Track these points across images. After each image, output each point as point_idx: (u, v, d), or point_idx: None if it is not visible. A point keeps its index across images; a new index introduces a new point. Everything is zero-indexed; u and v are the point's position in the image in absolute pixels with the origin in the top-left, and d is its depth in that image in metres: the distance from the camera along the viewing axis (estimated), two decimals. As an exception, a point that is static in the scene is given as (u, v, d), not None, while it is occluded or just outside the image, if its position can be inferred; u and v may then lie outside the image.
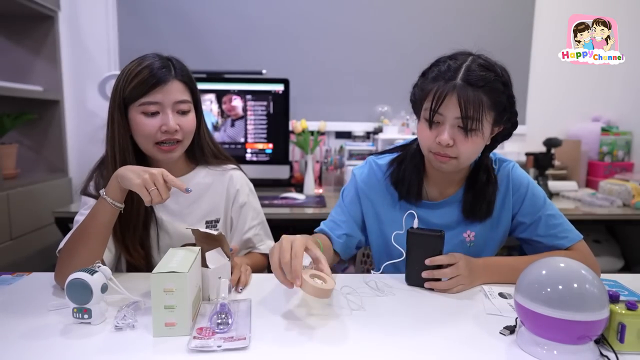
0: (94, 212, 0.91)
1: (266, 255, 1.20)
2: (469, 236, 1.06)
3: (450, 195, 1.06)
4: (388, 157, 1.11)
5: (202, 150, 1.12)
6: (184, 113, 1.03)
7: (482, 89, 0.89)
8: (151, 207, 1.06)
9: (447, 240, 1.02)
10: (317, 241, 0.97)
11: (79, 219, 1.02)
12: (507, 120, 0.97)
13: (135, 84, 0.97)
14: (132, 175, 0.87)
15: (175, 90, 1.00)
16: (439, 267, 0.94)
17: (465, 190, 1.05)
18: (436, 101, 0.90)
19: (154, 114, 0.99)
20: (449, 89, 0.89)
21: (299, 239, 0.81)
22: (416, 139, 1.04)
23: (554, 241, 1.02)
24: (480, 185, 1.02)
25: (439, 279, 0.94)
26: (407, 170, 1.05)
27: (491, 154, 1.06)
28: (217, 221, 1.13)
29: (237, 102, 2.16)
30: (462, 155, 0.94)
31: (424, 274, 0.94)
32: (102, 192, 0.91)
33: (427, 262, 0.93)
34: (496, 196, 1.03)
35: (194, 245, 0.91)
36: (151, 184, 0.86)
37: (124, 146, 1.01)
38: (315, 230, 1.12)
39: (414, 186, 1.04)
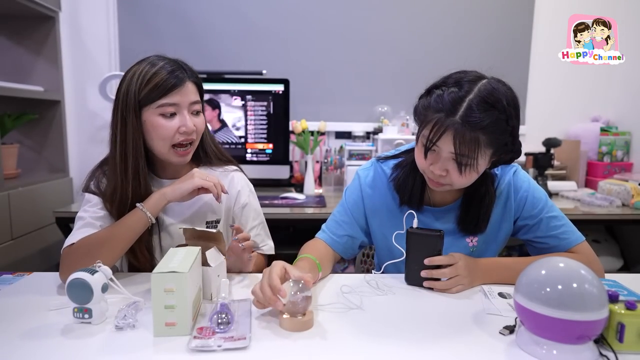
0: (128, 221, 0.97)
1: (267, 257, 1.20)
2: (471, 241, 1.07)
3: (451, 203, 1.07)
4: (392, 162, 1.11)
5: (205, 152, 1.14)
6: (197, 114, 1.05)
7: (482, 130, 0.86)
8: None
9: (450, 245, 1.03)
10: (310, 258, 0.98)
11: (82, 215, 1.02)
12: (508, 152, 0.95)
13: (153, 86, 0.98)
14: (185, 183, 0.99)
15: (190, 92, 1.02)
16: (439, 266, 0.94)
17: (463, 201, 1.05)
18: (433, 134, 0.89)
19: (172, 115, 1.01)
20: (448, 125, 0.87)
21: (275, 267, 0.82)
22: None
23: (556, 242, 1.03)
24: (478, 198, 1.02)
25: (437, 279, 0.94)
26: (410, 176, 1.05)
27: None
28: (217, 222, 1.13)
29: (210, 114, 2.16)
30: (455, 183, 0.94)
31: (423, 274, 0.94)
32: (139, 205, 0.98)
33: (426, 261, 0.94)
34: (492, 210, 1.03)
35: (185, 245, 0.91)
36: (205, 176, 1.01)
37: (137, 149, 1.01)
38: (317, 235, 1.13)
39: (416, 193, 1.04)
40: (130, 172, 1.00)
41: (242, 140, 2.19)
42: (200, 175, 1.01)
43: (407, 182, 1.05)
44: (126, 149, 1.00)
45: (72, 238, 0.97)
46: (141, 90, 0.98)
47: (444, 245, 0.96)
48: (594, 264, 0.96)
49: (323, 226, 1.13)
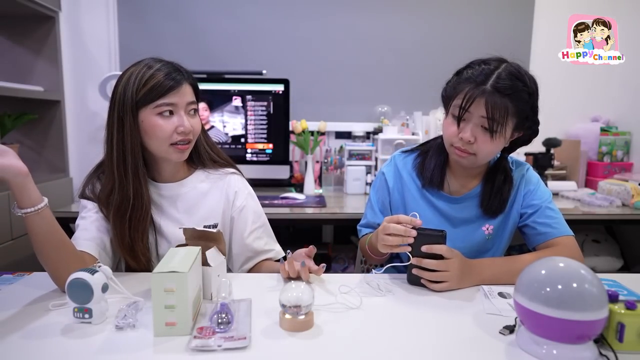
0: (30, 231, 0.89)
1: (277, 262, 1.17)
2: (487, 229, 1.13)
3: (469, 190, 1.13)
4: (414, 154, 1.20)
5: (198, 153, 1.14)
6: (193, 114, 1.05)
7: (509, 96, 0.97)
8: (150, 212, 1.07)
9: (467, 234, 1.12)
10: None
11: (78, 222, 1.03)
12: (528, 128, 1.05)
13: (151, 87, 0.98)
14: None
15: (187, 93, 1.03)
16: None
17: (483, 187, 1.12)
18: (466, 101, 0.98)
19: (170, 115, 1.01)
20: (479, 92, 0.97)
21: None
22: (441, 136, 1.12)
23: (546, 229, 1.08)
24: (498, 183, 1.11)
25: (429, 271, 0.94)
26: (433, 160, 1.14)
27: (509, 157, 1.15)
28: (214, 226, 1.12)
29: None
30: (481, 152, 1.02)
31: (413, 261, 0.94)
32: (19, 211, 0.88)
33: (424, 248, 0.93)
34: (510, 194, 1.12)
35: (185, 245, 0.91)
36: None
37: (135, 150, 1.00)
38: (361, 234, 1.22)
39: (437, 175, 1.12)
40: (130, 172, 1.00)
41: (242, 140, 2.19)
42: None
43: (430, 163, 1.14)
44: (124, 149, 1.00)
45: None
46: (139, 92, 0.98)
47: (462, 235, 1.07)
48: (576, 258, 0.97)
49: (363, 229, 1.23)
